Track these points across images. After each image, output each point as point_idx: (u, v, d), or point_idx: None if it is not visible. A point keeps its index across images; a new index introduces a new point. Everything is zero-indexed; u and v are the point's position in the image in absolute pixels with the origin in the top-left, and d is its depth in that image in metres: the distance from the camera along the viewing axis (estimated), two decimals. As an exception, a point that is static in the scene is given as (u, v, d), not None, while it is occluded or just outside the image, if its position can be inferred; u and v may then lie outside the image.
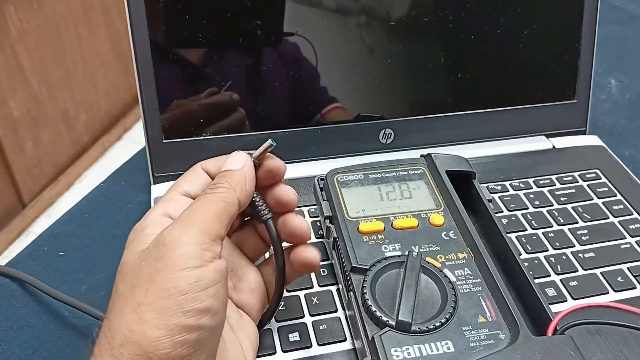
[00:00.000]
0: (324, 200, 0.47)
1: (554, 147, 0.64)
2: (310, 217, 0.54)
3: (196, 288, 0.31)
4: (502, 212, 0.55)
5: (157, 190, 0.56)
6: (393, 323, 0.37)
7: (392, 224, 0.44)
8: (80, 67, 1.74)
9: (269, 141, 0.39)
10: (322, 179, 0.49)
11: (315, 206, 0.54)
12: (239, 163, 0.38)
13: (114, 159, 1.86)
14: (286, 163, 0.58)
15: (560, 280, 0.49)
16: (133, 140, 1.94)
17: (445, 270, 0.41)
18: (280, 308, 0.44)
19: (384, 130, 0.60)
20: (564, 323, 0.40)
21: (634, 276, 0.49)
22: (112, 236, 0.54)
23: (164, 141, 0.56)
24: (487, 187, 0.55)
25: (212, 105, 0.56)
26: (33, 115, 1.60)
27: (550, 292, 0.48)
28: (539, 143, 0.64)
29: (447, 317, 0.38)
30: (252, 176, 0.38)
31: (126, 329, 0.30)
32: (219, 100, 0.56)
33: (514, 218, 0.54)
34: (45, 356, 0.45)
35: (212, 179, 0.39)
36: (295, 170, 0.58)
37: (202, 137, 0.56)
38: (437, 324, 0.37)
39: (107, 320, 0.32)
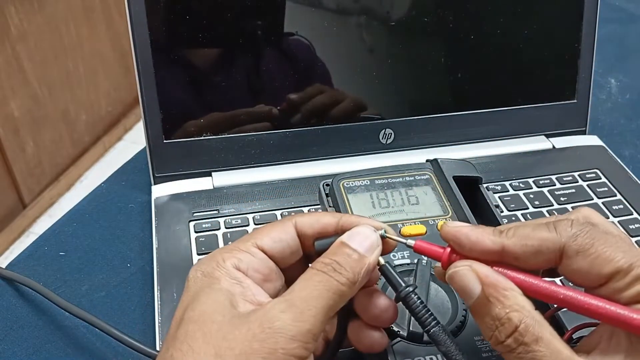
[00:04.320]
0: (330, 206, 0.46)
1: (554, 147, 0.64)
2: (311, 217, 0.54)
3: None
4: (503, 212, 0.55)
5: (157, 190, 0.56)
6: (404, 334, 0.37)
7: (400, 231, 0.43)
8: (80, 67, 1.74)
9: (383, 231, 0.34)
10: (327, 184, 0.48)
11: (316, 206, 0.54)
12: (369, 248, 0.33)
13: (114, 159, 1.86)
14: (287, 163, 0.59)
15: (561, 280, 0.49)
16: (134, 140, 1.95)
17: None
18: None
19: (384, 131, 0.60)
20: (579, 334, 0.39)
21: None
22: (113, 236, 0.55)
23: (165, 141, 0.56)
24: (486, 187, 0.55)
25: (212, 106, 0.56)
26: (34, 115, 1.61)
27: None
28: (539, 143, 0.64)
29: (457, 326, 0.37)
30: (374, 267, 0.33)
31: None
32: (219, 100, 0.57)
33: (514, 218, 0.54)
34: (45, 356, 0.45)
35: (303, 239, 0.35)
36: (296, 170, 0.58)
37: (202, 137, 0.56)
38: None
39: None
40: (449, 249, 0.33)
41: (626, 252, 0.30)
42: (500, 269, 0.32)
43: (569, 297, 0.31)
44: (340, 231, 0.34)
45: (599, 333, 0.32)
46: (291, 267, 0.35)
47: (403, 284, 0.33)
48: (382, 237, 0.34)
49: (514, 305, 0.30)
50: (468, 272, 0.31)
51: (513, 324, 0.29)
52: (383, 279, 0.35)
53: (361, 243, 0.32)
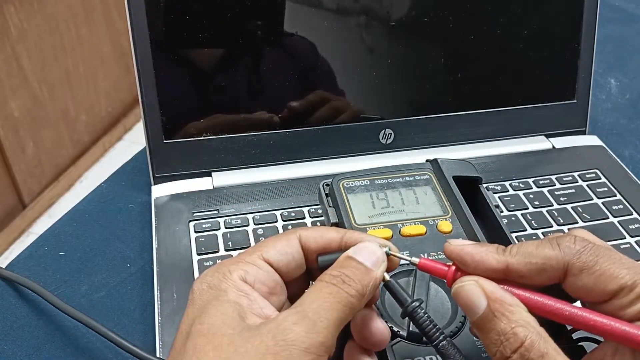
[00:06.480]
0: (330, 206, 0.46)
1: (553, 147, 0.64)
2: (311, 217, 0.54)
3: None
4: (502, 212, 0.55)
5: (157, 190, 0.56)
6: (404, 334, 0.37)
7: (400, 231, 0.43)
8: (80, 67, 1.74)
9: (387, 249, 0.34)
10: (327, 184, 0.48)
11: (316, 206, 0.54)
12: (375, 262, 0.33)
13: (114, 159, 1.86)
14: (287, 163, 0.59)
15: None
16: (133, 140, 1.95)
17: None
18: None
19: (384, 131, 0.60)
20: (579, 334, 0.39)
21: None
22: (113, 236, 0.55)
23: (164, 141, 0.56)
24: (486, 187, 0.55)
25: (212, 105, 0.56)
26: (33, 115, 1.60)
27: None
28: (538, 143, 0.64)
29: (457, 326, 0.37)
30: (380, 283, 0.33)
31: None
32: (219, 100, 0.57)
33: (513, 218, 0.54)
34: (45, 356, 0.45)
35: (307, 253, 0.35)
36: (296, 170, 0.58)
37: (202, 138, 0.56)
38: (448, 334, 0.37)
39: None
40: (453, 268, 0.33)
41: (630, 269, 0.30)
42: (505, 287, 0.32)
43: (574, 315, 0.31)
44: (344, 247, 0.34)
45: (602, 349, 0.32)
46: (293, 282, 0.35)
47: (409, 299, 0.33)
48: (386, 255, 0.34)
49: (520, 320, 0.30)
50: (474, 288, 0.31)
51: (519, 339, 0.29)
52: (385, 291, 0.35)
53: (367, 257, 0.32)
